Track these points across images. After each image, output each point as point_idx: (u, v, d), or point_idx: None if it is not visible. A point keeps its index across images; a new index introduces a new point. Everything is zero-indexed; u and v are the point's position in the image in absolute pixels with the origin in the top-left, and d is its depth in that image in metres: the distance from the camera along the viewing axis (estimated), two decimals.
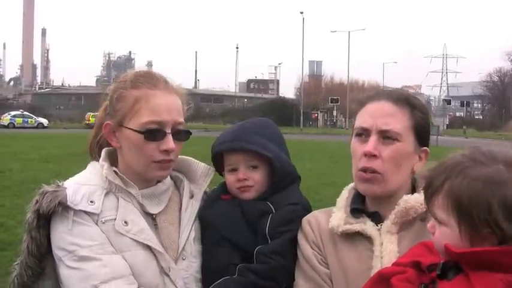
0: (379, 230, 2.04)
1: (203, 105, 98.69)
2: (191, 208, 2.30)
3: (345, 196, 2.20)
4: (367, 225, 2.06)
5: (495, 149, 1.63)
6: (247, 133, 2.34)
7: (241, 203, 2.30)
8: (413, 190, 2.12)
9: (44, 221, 2.04)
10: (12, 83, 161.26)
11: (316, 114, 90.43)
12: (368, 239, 2.04)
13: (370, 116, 2.07)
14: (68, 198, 2.02)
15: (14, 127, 58.15)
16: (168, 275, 2.11)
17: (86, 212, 2.04)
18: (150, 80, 2.16)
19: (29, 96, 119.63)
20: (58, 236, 2.03)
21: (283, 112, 77.56)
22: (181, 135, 2.17)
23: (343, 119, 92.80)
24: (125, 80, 2.18)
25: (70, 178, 2.16)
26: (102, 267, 1.97)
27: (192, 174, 2.38)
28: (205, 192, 2.40)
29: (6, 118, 61.39)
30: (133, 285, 2.01)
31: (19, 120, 61.50)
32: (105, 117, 2.20)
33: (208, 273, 2.21)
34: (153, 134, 2.10)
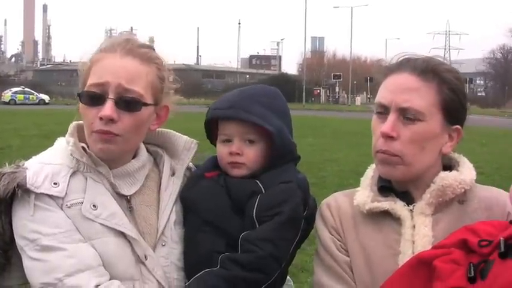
0: (411, 210, 1.84)
1: (205, 81, 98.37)
2: (172, 187, 2.03)
3: (369, 175, 1.98)
4: (397, 205, 1.86)
5: None
6: (248, 101, 2.01)
7: (227, 182, 2.00)
8: (445, 170, 1.90)
9: (5, 206, 1.80)
10: (13, 59, 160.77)
11: (318, 91, 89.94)
12: (397, 220, 1.84)
13: (389, 91, 1.84)
14: (27, 180, 1.78)
15: (15, 104, 57.56)
16: (144, 264, 1.87)
17: (48, 196, 1.80)
18: (112, 42, 1.91)
19: (30, 73, 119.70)
20: (19, 223, 1.80)
21: (286, 88, 76.67)
22: (127, 104, 1.83)
23: (346, 95, 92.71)
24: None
25: (34, 156, 1.91)
26: (67, 258, 1.75)
27: (173, 148, 2.10)
28: (188, 169, 2.13)
29: (8, 95, 60.93)
30: (103, 277, 1.78)
31: (20, 96, 61.05)
32: None
33: (190, 262, 1.96)
34: (89, 98, 1.83)
